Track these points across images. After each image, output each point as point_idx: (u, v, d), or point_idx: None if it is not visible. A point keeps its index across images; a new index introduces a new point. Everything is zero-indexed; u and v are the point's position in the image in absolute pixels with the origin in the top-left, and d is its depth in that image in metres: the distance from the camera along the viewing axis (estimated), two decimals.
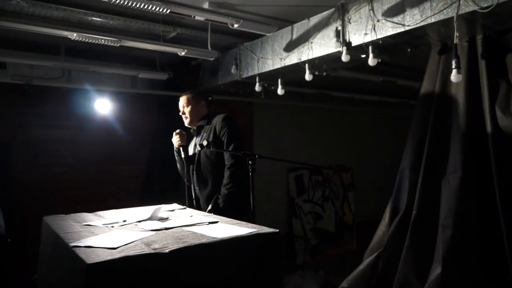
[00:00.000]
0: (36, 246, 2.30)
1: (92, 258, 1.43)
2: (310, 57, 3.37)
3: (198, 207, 2.93)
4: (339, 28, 3.10)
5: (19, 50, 3.96)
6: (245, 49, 4.08)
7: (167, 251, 1.53)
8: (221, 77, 4.50)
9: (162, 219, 2.20)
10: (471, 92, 2.88)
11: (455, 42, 2.55)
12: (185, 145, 3.01)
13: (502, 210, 2.67)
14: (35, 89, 4.21)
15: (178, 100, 3.15)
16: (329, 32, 3.21)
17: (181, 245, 1.59)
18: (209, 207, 2.84)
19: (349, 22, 3.07)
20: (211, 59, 4.12)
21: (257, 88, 4.12)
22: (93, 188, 4.65)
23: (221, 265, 1.67)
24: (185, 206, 2.70)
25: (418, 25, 2.63)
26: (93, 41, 3.39)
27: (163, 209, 2.51)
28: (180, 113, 3.13)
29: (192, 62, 4.83)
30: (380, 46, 3.00)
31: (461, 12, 2.40)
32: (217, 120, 2.96)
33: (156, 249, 1.55)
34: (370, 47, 2.98)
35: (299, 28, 3.52)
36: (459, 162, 2.84)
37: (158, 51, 3.98)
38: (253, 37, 3.94)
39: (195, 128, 3.12)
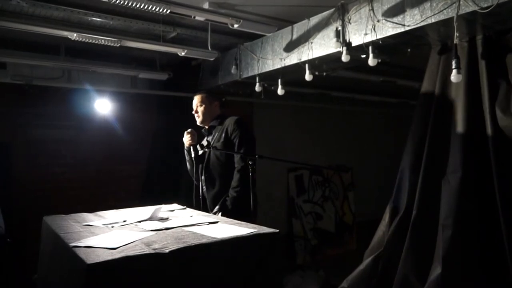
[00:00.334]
0: (36, 246, 2.30)
1: (92, 258, 1.43)
2: (310, 57, 3.37)
3: (205, 207, 2.94)
4: (339, 28, 3.11)
5: (19, 50, 3.96)
6: (245, 49, 4.08)
7: (167, 251, 1.54)
8: (221, 77, 4.50)
9: (162, 219, 2.21)
10: (471, 92, 2.88)
11: (455, 42, 2.55)
12: (195, 145, 3.01)
13: (502, 210, 2.67)
14: (35, 89, 4.21)
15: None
16: (329, 32, 3.21)
17: (181, 245, 1.60)
18: (216, 208, 2.86)
19: (349, 22, 3.07)
20: (211, 59, 4.11)
21: (257, 88, 4.12)
22: (93, 188, 4.65)
23: (221, 265, 1.67)
24: (185, 206, 2.71)
25: (418, 25, 2.64)
26: (93, 41, 3.39)
27: (163, 209, 2.51)
28: (193, 112, 3.14)
29: (192, 62, 4.83)
30: (380, 46, 3.00)
31: (461, 12, 2.40)
32: (229, 122, 2.98)
33: (156, 249, 1.55)
34: (370, 47, 2.98)
35: (299, 28, 3.52)
36: (459, 162, 2.84)
37: (158, 51, 3.98)
38: (253, 37, 3.94)
39: (206, 127, 3.14)
